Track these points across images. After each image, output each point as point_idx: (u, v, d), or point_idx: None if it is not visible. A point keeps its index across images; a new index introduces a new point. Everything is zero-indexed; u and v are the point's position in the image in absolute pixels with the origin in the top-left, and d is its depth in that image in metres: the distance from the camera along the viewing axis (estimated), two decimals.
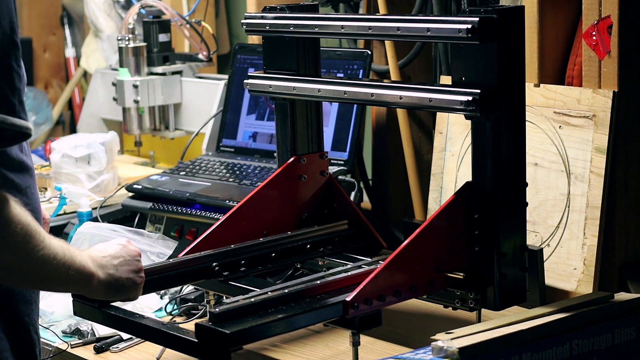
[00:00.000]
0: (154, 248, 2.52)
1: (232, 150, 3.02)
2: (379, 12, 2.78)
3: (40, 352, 1.75)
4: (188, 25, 3.39)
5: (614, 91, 2.14)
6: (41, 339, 1.80)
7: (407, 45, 2.79)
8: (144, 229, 2.77)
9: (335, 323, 1.82)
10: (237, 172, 2.86)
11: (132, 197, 2.87)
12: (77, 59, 4.50)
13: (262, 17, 2.18)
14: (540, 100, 2.27)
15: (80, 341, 2.17)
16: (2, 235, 1.51)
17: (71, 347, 2.15)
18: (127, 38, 3.34)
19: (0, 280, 1.68)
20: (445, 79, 2.54)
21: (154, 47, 3.40)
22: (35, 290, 1.79)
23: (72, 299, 1.94)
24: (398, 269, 1.84)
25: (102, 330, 2.16)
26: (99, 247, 1.77)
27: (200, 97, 3.39)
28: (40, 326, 1.81)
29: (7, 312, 1.66)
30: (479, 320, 1.97)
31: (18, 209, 1.53)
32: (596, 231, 2.14)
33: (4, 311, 1.66)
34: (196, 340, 1.72)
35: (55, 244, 1.60)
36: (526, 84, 1.90)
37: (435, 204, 2.45)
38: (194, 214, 2.69)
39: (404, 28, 1.92)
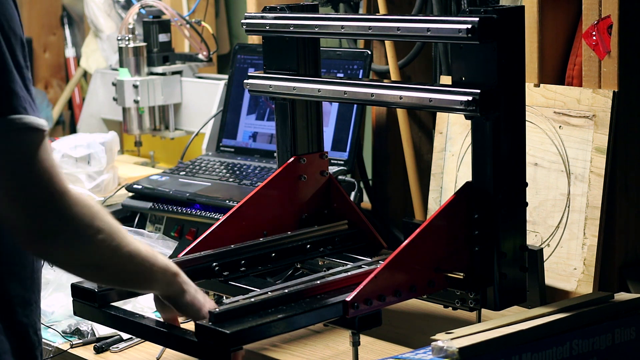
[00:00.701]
0: (154, 248, 2.51)
1: (232, 150, 3.02)
2: (379, 12, 2.78)
3: (41, 354, 1.75)
4: (188, 25, 3.39)
5: (614, 91, 2.14)
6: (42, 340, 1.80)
7: (407, 45, 2.79)
8: (144, 229, 2.77)
9: (335, 323, 1.82)
10: (237, 172, 2.86)
11: (132, 197, 2.87)
12: (77, 59, 4.50)
13: (262, 17, 2.18)
14: (540, 100, 2.27)
15: (80, 341, 2.17)
16: (89, 233, 1.52)
17: (71, 347, 2.15)
18: (127, 38, 3.35)
19: (91, 278, 1.72)
20: (445, 79, 2.54)
21: (154, 47, 3.40)
22: (118, 287, 1.82)
23: (72, 299, 1.94)
24: (398, 269, 1.84)
25: (102, 330, 2.16)
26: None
27: (200, 97, 3.40)
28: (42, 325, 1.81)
29: (5, 314, 1.66)
30: (479, 320, 1.97)
31: (99, 208, 1.54)
32: (596, 231, 2.14)
33: (2, 313, 1.65)
34: (196, 340, 1.72)
35: (138, 241, 1.62)
36: (526, 84, 1.90)
37: (435, 204, 2.45)
38: (194, 214, 2.69)
39: (404, 28, 1.92)
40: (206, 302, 1.77)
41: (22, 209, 1.47)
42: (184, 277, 1.74)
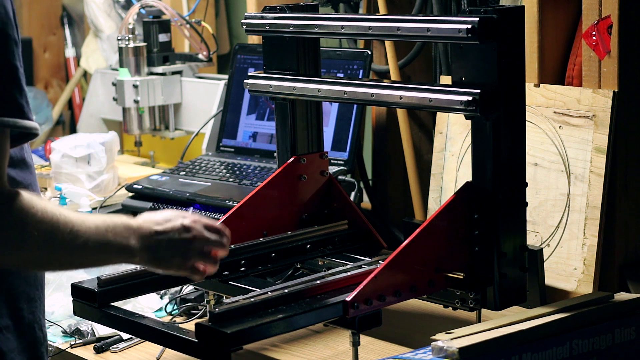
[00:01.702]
0: None
1: (232, 150, 3.02)
2: (379, 12, 2.78)
3: (47, 350, 1.75)
4: (188, 25, 3.39)
5: (614, 91, 2.14)
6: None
7: (407, 45, 2.79)
8: None
9: (335, 323, 1.82)
10: (237, 172, 2.86)
11: (132, 197, 2.87)
12: (77, 59, 4.50)
13: (262, 17, 2.18)
14: (540, 100, 2.27)
15: (80, 341, 2.17)
16: (24, 234, 1.51)
17: (71, 347, 2.15)
18: (127, 38, 3.35)
19: (40, 270, 1.70)
20: (445, 79, 2.54)
21: (154, 47, 3.40)
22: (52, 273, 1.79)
23: (72, 299, 1.94)
24: (398, 269, 1.84)
25: (102, 330, 2.16)
26: (151, 217, 1.71)
27: (200, 97, 3.40)
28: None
29: (11, 311, 1.66)
30: (479, 320, 1.97)
31: (35, 211, 1.53)
32: (596, 231, 2.14)
33: (8, 310, 1.66)
34: (196, 340, 1.72)
35: (88, 227, 1.58)
36: (526, 84, 1.90)
37: (435, 204, 2.45)
38: None
39: (404, 28, 1.92)
40: (181, 254, 1.69)
41: None
42: (144, 248, 1.66)
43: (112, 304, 1.91)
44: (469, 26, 1.80)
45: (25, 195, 1.52)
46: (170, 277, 1.98)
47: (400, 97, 1.94)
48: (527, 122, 1.93)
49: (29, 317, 1.68)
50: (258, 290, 1.87)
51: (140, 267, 1.96)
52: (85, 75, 4.38)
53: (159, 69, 3.40)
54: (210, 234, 1.73)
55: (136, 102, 3.35)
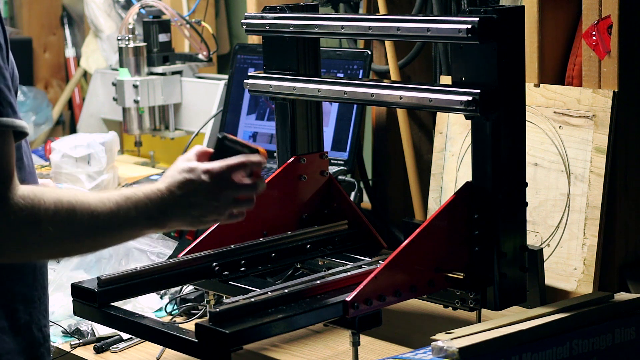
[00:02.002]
0: (154, 248, 2.52)
1: None
2: (379, 12, 2.78)
3: (49, 351, 1.74)
4: (188, 25, 3.39)
5: (614, 91, 2.14)
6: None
7: (407, 45, 2.79)
8: None
9: (335, 323, 1.82)
10: None
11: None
12: (77, 59, 4.50)
13: (262, 17, 2.18)
14: (540, 100, 2.27)
15: (80, 341, 2.17)
16: (34, 236, 1.50)
17: (71, 347, 2.15)
18: (127, 38, 3.35)
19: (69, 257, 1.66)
20: (445, 79, 2.54)
21: (154, 47, 3.40)
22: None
23: (72, 299, 1.94)
24: (398, 269, 1.84)
25: (102, 330, 2.16)
26: (172, 179, 1.64)
27: (200, 97, 3.40)
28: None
29: (7, 312, 1.65)
30: (479, 320, 1.97)
31: (49, 196, 1.51)
32: (596, 231, 2.14)
33: (3, 311, 1.65)
34: (196, 340, 1.72)
35: (109, 208, 1.55)
36: (526, 84, 1.90)
37: (435, 204, 2.45)
38: None
39: (404, 28, 1.92)
40: (213, 208, 1.65)
41: None
42: (171, 213, 1.61)
43: (112, 304, 1.91)
44: (469, 26, 1.80)
45: (34, 192, 1.50)
46: (170, 277, 1.98)
47: (400, 97, 1.94)
48: (527, 122, 1.93)
49: (25, 318, 1.68)
50: (258, 290, 1.87)
51: (140, 267, 1.96)
52: (85, 75, 4.38)
53: (159, 69, 3.40)
54: (234, 177, 1.66)
55: (136, 102, 3.35)
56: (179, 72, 3.45)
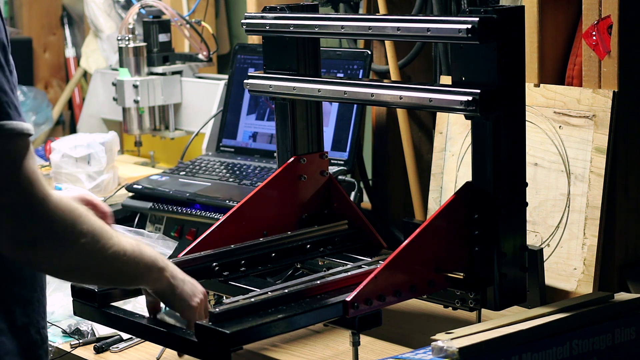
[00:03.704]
0: (154, 248, 2.51)
1: (232, 150, 3.02)
2: (379, 12, 2.78)
3: (47, 352, 1.74)
4: (188, 25, 3.39)
5: (614, 91, 2.14)
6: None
7: (407, 45, 2.79)
8: (144, 229, 2.77)
9: (335, 323, 1.82)
10: (237, 172, 2.86)
11: (132, 197, 2.87)
12: (77, 59, 4.50)
13: (262, 17, 2.18)
14: (540, 100, 2.27)
15: (80, 341, 2.17)
16: (71, 238, 1.51)
17: (71, 347, 2.15)
18: (127, 38, 3.35)
19: (75, 280, 1.73)
20: (445, 79, 2.54)
21: (154, 47, 3.40)
22: (104, 286, 1.82)
23: (72, 299, 1.94)
24: (398, 269, 1.84)
25: (102, 330, 2.16)
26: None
27: (200, 97, 3.40)
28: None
29: (4, 314, 1.65)
30: (479, 320, 1.97)
31: (82, 211, 1.53)
32: (596, 231, 2.14)
33: (1, 313, 1.65)
34: (196, 340, 1.72)
35: (123, 240, 1.61)
36: (526, 84, 1.90)
37: (435, 204, 2.45)
38: (194, 214, 2.69)
39: (404, 28, 1.92)
40: (195, 294, 1.77)
41: (3, 216, 1.46)
42: (171, 270, 1.74)
43: (112, 304, 1.91)
44: (469, 26, 1.80)
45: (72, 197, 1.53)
46: None
47: (400, 97, 1.94)
48: (527, 122, 1.92)
49: (23, 320, 1.67)
50: (258, 290, 1.87)
51: None
52: (85, 75, 4.38)
53: (159, 69, 3.40)
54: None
55: (136, 102, 3.35)
56: (179, 72, 3.45)
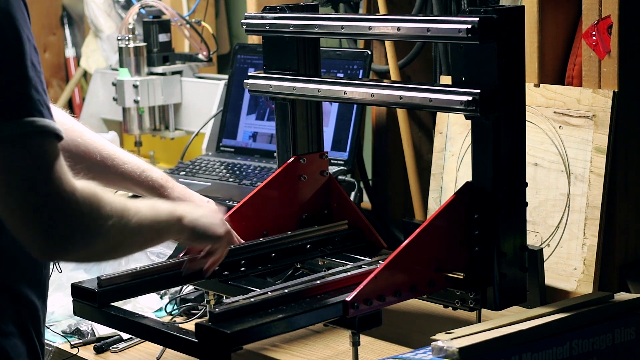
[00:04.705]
0: (154, 248, 2.51)
1: (232, 150, 3.02)
2: (379, 12, 2.78)
3: (44, 356, 1.75)
4: (188, 25, 3.39)
5: (614, 91, 2.14)
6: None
7: (407, 45, 2.79)
8: None
9: (335, 323, 1.82)
10: (237, 172, 2.86)
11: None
12: (77, 59, 4.50)
13: (262, 17, 2.18)
14: (540, 100, 2.27)
15: (80, 341, 2.17)
16: (100, 224, 1.51)
17: (71, 347, 2.15)
18: (127, 38, 3.35)
19: (106, 259, 1.80)
20: (445, 79, 2.54)
21: (154, 47, 3.40)
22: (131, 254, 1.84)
23: (72, 299, 1.94)
24: (398, 269, 1.84)
25: (102, 330, 2.16)
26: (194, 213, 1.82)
27: (200, 97, 3.40)
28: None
29: (15, 316, 1.65)
30: (479, 320, 1.97)
31: (101, 192, 1.53)
32: (596, 231, 2.14)
33: (12, 315, 1.65)
34: (196, 340, 1.72)
35: (139, 205, 1.63)
36: (526, 84, 1.90)
37: (435, 204, 2.45)
38: None
39: (404, 28, 1.92)
40: (217, 224, 1.84)
41: (37, 217, 1.44)
42: (189, 216, 1.77)
43: (112, 304, 1.91)
44: (469, 26, 1.80)
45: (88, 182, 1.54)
46: (169, 277, 1.98)
47: (400, 97, 1.94)
48: (527, 122, 1.92)
49: (31, 324, 1.68)
50: (258, 290, 1.87)
51: (140, 267, 1.97)
52: (85, 75, 4.37)
53: (159, 69, 3.40)
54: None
55: (136, 102, 3.34)
56: (179, 72, 3.45)
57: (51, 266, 1.75)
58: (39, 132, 1.44)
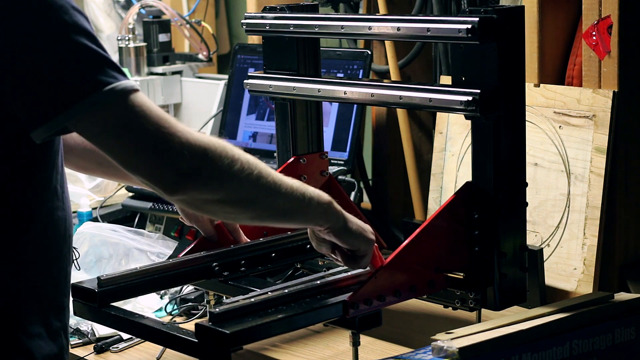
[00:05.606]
0: (154, 248, 2.52)
1: None
2: (379, 12, 2.78)
3: (68, 356, 1.75)
4: (188, 25, 3.40)
5: (614, 91, 2.14)
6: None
7: (407, 45, 2.79)
8: (144, 229, 2.77)
9: (335, 323, 1.82)
10: None
11: (132, 197, 2.87)
12: None
13: (262, 17, 2.18)
14: (540, 100, 2.27)
15: (80, 341, 2.17)
16: (226, 163, 1.55)
17: (71, 347, 2.15)
18: (127, 38, 3.35)
19: (246, 216, 1.68)
20: (445, 79, 2.54)
21: (154, 47, 3.40)
22: (274, 223, 1.77)
23: (72, 298, 1.94)
24: (398, 269, 1.84)
25: (102, 330, 2.16)
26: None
27: (200, 97, 3.40)
28: None
29: (41, 317, 1.65)
30: (479, 320, 1.97)
31: (225, 142, 1.57)
32: (596, 231, 2.14)
33: (39, 316, 1.65)
34: (196, 340, 1.72)
35: (280, 174, 1.64)
36: (526, 84, 1.90)
37: (435, 204, 2.45)
38: None
39: (404, 28, 1.92)
40: (365, 228, 1.78)
41: (157, 164, 1.49)
42: (338, 205, 1.73)
43: (112, 304, 1.91)
44: (469, 26, 1.80)
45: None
46: (169, 277, 1.98)
47: (400, 97, 1.94)
48: (527, 122, 1.93)
49: (57, 325, 1.68)
50: (258, 290, 1.86)
51: (140, 267, 1.96)
52: None
53: (159, 69, 3.40)
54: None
55: None
56: (179, 72, 3.45)
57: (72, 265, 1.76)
58: (124, 93, 1.49)
